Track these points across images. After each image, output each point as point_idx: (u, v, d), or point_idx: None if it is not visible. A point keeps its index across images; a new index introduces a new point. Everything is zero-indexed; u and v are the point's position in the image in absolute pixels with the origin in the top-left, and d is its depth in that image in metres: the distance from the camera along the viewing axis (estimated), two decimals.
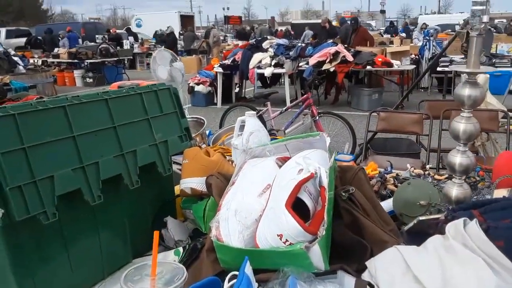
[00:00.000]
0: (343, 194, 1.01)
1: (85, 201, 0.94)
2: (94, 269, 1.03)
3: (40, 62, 10.77)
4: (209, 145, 1.95)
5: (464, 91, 1.02)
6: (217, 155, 1.24)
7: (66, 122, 0.93)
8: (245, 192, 0.98)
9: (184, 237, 1.19)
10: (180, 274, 0.75)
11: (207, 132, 2.15)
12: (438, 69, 8.44)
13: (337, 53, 7.85)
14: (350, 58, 7.63)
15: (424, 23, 13.33)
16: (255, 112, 1.73)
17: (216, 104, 8.45)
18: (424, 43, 10.60)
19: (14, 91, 4.04)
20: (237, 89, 8.57)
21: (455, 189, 1.13)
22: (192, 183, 1.17)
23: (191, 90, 8.35)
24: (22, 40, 14.96)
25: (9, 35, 16.29)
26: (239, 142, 1.67)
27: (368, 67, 7.74)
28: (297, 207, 0.87)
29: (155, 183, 1.17)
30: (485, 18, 0.92)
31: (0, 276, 0.87)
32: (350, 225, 0.99)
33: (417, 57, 10.12)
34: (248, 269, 0.66)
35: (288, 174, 0.93)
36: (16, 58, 8.41)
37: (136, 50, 14.88)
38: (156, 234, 0.78)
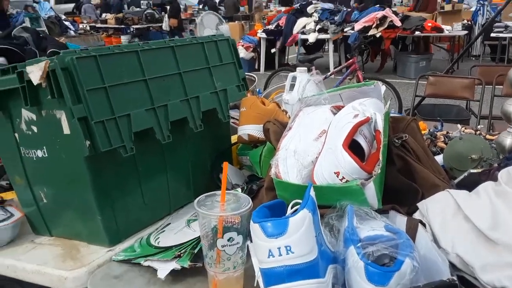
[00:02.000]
0: (396, 141, 1.05)
1: (156, 141, 1.03)
2: (163, 204, 1.14)
3: (88, 27, 11.09)
4: None
5: None
6: (272, 105, 1.30)
7: (139, 66, 1.01)
8: (302, 136, 1.04)
9: (240, 182, 1.27)
10: (246, 202, 0.82)
11: (257, 90, 2.20)
12: (492, 35, 8.01)
13: (384, 18, 7.60)
14: (398, 23, 7.39)
15: None
16: (306, 68, 1.77)
17: (258, 70, 8.46)
18: (478, 7, 10.04)
19: None
20: (275, 52, 8.47)
21: (510, 138, 1.13)
22: (249, 129, 1.24)
23: None
24: (70, 6, 15.36)
25: (58, 0, 16.77)
26: (290, 97, 1.72)
27: (417, 33, 7.47)
28: (352, 149, 0.92)
29: (214, 130, 1.25)
30: None
31: (85, 203, 0.98)
32: (402, 170, 1.03)
33: (469, 23, 9.62)
34: (312, 193, 0.72)
35: (345, 118, 0.98)
36: (67, 23, 8.73)
37: None
38: (225, 164, 0.86)
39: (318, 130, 1.05)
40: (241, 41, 8.79)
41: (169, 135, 1.04)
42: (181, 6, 16.03)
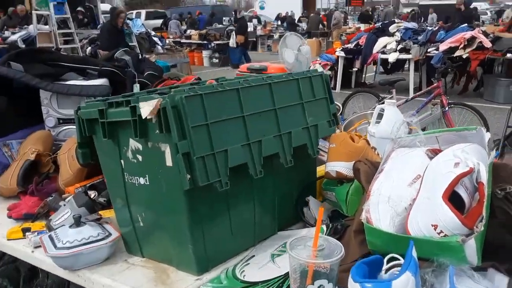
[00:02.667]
0: (499, 192, 0.98)
1: (247, 174, 1.06)
2: (248, 236, 1.16)
3: (173, 43, 11.75)
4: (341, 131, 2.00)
5: None
6: (362, 142, 1.29)
7: (238, 103, 1.05)
8: (395, 180, 1.02)
9: (323, 217, 1.27)
10: (339, 250, 0.82)
11: (339, 117, 2.19)
12: None
13: (472, 39, 7.21)
14: (488, 44, 6.97)
15: None
16: (395, 101, 1.73)
17: (335, 88, 8.39)
18: None
19: None
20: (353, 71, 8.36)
21: None
22: (338, 166, 1.23)
23: None
24: (159, 22, 16.36)
25: (148, 16, 17.93)
26: (377, 130, 1.69)
27: (509, 55, 6.98)
28: (451, 200, 0.88)
29: (303, 164, 1.25)
30: None
31: (179, 230, 1.03)
32: (505, 224, 0.96)
33: None
34: (414, 253, 0.70)
35: (444, 166, 0.94)
36: (155, 39, 9.34)
37: (258, 32, 15.36)
38: (321, 210, 0.86)
39: (413, 174, 1.01)
40: (318, 58, 8.80)
41: (261, 170, 1.06)
42: (261, 23, 16.44)
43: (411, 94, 7.36)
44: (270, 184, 1.18)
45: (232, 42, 11.23)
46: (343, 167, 1.23)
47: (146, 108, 0.94)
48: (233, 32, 11.30)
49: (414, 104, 4.91)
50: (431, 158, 1.06)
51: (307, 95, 1.23)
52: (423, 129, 4.01)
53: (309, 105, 1.22)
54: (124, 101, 1.02)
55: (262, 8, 22.99)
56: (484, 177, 0.92)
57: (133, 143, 1.04)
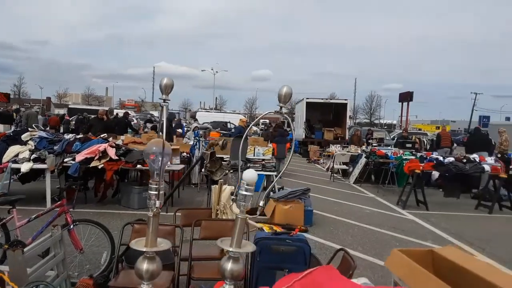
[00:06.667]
0: None
1: None
2: None
3: None
4: None
5: (227, 265, 1.17)
6: None
7: None
8: None
9: None
10: None
11: None
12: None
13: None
14: (114, 156, 7.61)
15: (196, 126, 14.63)
16: None
17: None
18: (195, 142, 11.59)
19: None
20: None
21: None
22: None
23: None
24: None
25: None
26: None
27: (139, 166, 7.82)
28: None
29: None
30: (249, 205, 1.09)
31: None
32: None
33: (188, 155, 10.89)
34: None
35: None
36: None
37: None
38: None
39: None
40: None
41: None
42: None
43: (48, 205, 7.03)
44: None
45: None
46: None
47: None
48: None
49: (42, 221, 4.59)
50: None
51: None
52: (46, 252, 3.73)
53: None
54: None
55: None
56: None
57: None
